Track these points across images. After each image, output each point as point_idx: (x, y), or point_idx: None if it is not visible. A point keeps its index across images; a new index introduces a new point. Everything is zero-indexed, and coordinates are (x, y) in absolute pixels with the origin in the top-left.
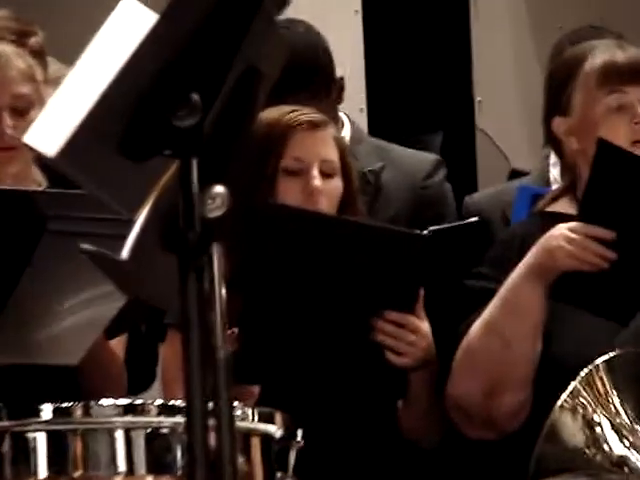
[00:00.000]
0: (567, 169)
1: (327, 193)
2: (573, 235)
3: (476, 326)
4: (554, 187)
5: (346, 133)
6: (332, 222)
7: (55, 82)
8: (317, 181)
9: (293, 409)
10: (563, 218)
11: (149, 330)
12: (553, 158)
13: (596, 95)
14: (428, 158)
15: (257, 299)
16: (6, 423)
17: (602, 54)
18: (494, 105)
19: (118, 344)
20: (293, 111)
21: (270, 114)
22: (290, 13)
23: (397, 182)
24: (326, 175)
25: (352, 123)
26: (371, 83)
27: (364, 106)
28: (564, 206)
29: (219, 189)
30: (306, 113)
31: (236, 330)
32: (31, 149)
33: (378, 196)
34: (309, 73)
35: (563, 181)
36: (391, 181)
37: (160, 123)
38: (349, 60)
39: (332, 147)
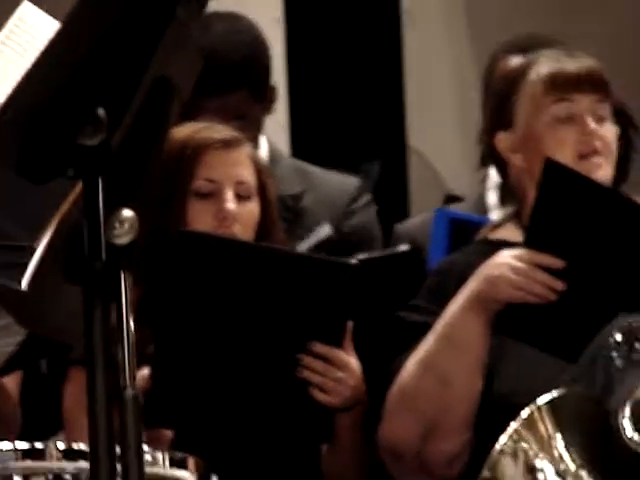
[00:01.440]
0: (511, 191)
1: (242, 218)
2: (518, 263)
3: (411, 362)
4: (492, 214)
5: (263, 152)
6: (253, 250)
7: None
8: (231, 204)
9: (209, 453)
10: (508, 246)
11: (51, 368)
12: (491, 181)
13: (542, 104)
14: (352, 182)
15: (170, 333)
16: None
17: (549, 62)
18: (428, 123)
19: (11, 381)
20: (205, 128)
21: (180, 132)
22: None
23: (319, 207)
24: (241, 198)
25: (269, 142)
26: (294, 98)
27: (285, 123)
28: (509, 233)
29: (127, 213)
30: (219, 131)
31: (146, 368)
32: None
33: (298, 221)
34: (249, 68)
35: (503, 206)
36: (312, 206)
37: (62, 140)
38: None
39: (248, 167)
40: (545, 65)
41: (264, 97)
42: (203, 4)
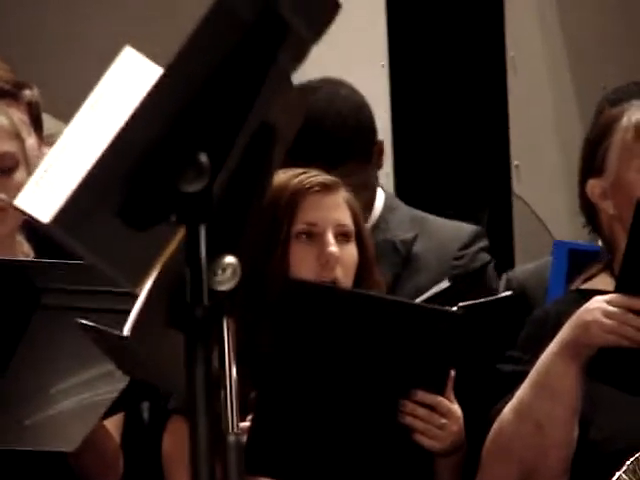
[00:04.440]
0: (604, 241)
1: (343, 260)
2: (611, 308)
3: (507, 410)
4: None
5: (380, 200)
6: (358, 298)
7: (50, 140)
8: (333, 247)
9: None
10: (601, 294)
11: (152, 416)
12: None
13: (633, 152)
14: (466, 228)
15: (274, 380)
16: None
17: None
18: (533, 170)
19: (113, 423)
20: (303, 173)
21: (278, 177)
22: (314, 68)
23: (429, 252)
24: (341, 241)
25: (385, 190)
26: (398, 144)
27: (390, 170)
28: (602, 283)
29: (230, 259)
30: (316, 175)
31: (247, 420)
32: (22, 213)
33: (408, 266)
34: (354, 140)
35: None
36: (423, 251)
37: (165, 187)
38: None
39: (345, 211)
40: (635, 113)
41: (372, 158)
42: (306, 48)
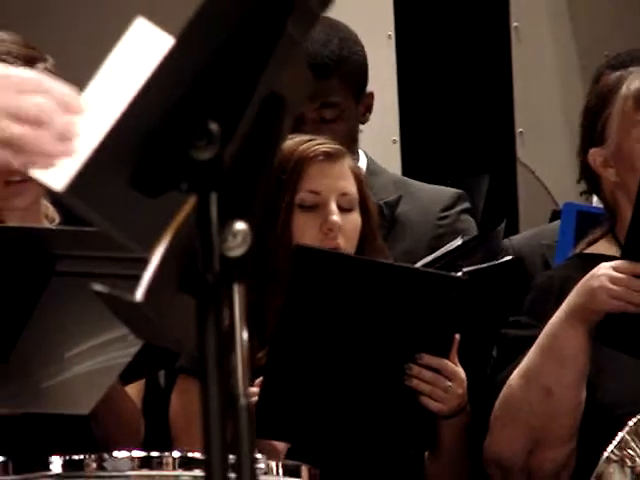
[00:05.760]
0: (606, 207)
1: (346, 229)
2: (617, 274)
3: (515, 376)
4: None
5: (362, 165)
6: (365, 265)
7: None
8: (336, 216)
9: (320, 461)
10: (604, 260)
11: (168, 382)
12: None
13: (633, 119)
14: (448, 191)
15: (283, 345)
16: (13, 477)
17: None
18: (537, 137)
19: (134, 390)
20: (308, 141)
21: (284, 144)
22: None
23: (413, 214)
24: (344, 209)
25: (367, 155)
26: (404, 112)
27: (397, 137)
28: (605, 248)
29: (240, 225)
30: (322, 143)
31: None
32: (38, 182)
33: (393, 228)
34: (339, 60)
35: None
36: (407, 213)
37: (176, 155)
38: (380, 89)
39: (350, 179)
40: (636, 81)
41: (359, 96)
42: (314, 20)
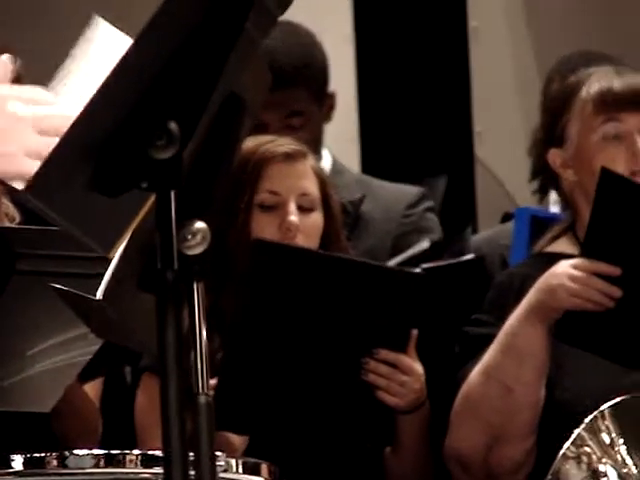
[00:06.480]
0: (565, 205)
1: (305, 229)
2: (576, 272)
3: (475, 372)
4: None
5: (326, 164)
6: (324, 259)
7: None
8: (294, 217)
9: (279, 457)
10: (564, 258)
11: (134, 378)
12: (553, 195)
13: (592, 123)
14: (412, 190)
15: (240, 339)
16: None
17: (598, 81)
18: (494, 137)
19: (92, 389)
20: (269, 142)
21: (244, 145)
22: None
23: (377, 213)
24: (304, 210)
25: (332, 154)
26: (363, 112)
27: (356, 136)
28: (564, 246)
29: (199, 224)
30: (282, 144)
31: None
32: (1, 182)
33: (357, 226)
34: (305, 67)
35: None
36: (371, 211)
37: (135, 154)
38: (339, 88)
39: (311, 179)
40: (595, 84)
41: (322, 99)
42: (273, 20)
